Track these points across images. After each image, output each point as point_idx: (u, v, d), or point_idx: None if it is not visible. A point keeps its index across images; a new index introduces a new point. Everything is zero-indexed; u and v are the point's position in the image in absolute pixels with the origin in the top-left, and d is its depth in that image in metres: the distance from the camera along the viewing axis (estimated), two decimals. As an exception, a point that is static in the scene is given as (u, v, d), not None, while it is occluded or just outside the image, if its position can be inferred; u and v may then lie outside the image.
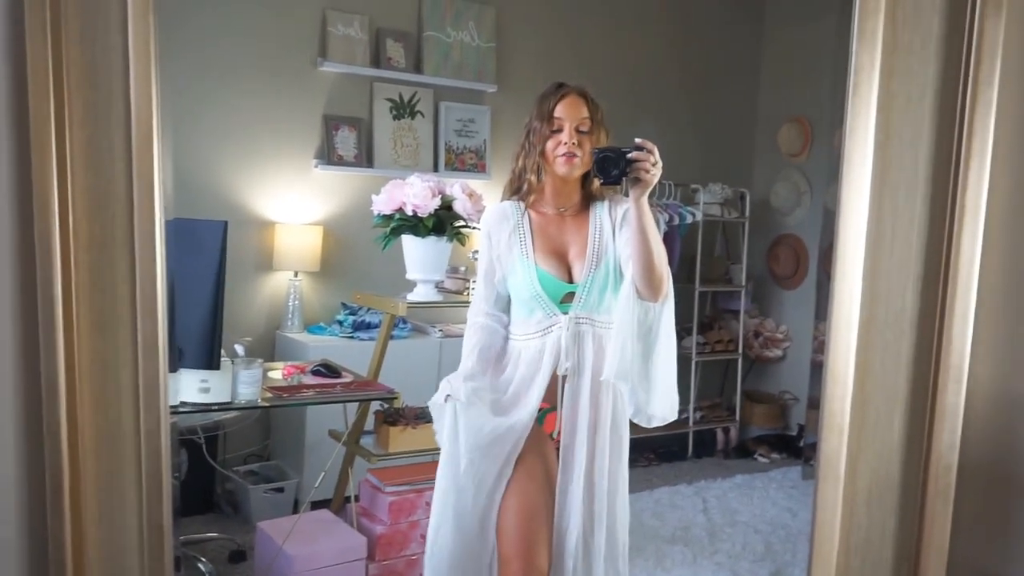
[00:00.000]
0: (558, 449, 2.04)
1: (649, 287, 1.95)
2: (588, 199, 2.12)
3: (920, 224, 0.85)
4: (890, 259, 0.85)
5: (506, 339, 2.13)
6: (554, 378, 2.02)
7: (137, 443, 0.97)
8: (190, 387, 2.34)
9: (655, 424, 2.04)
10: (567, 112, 2.00)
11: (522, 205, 2.11)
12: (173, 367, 2.17)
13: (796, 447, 4.99)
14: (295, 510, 3.64)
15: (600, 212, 2.09)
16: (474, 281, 3.31)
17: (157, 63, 0.91)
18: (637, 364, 1.98)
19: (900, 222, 0.85)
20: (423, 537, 2.95)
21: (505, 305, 2.14)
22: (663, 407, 2.04)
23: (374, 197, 2.79)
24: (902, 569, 0.90)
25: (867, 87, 0.87)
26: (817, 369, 4.97)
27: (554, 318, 2.03)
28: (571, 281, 2.05)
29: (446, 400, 2.02)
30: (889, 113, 0.86)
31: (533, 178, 2.05)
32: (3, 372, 0.98)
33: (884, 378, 0.87)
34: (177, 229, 2.28)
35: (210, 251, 2.23)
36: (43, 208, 0.89)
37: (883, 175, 0.83)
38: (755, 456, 4.97)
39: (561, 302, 2.03)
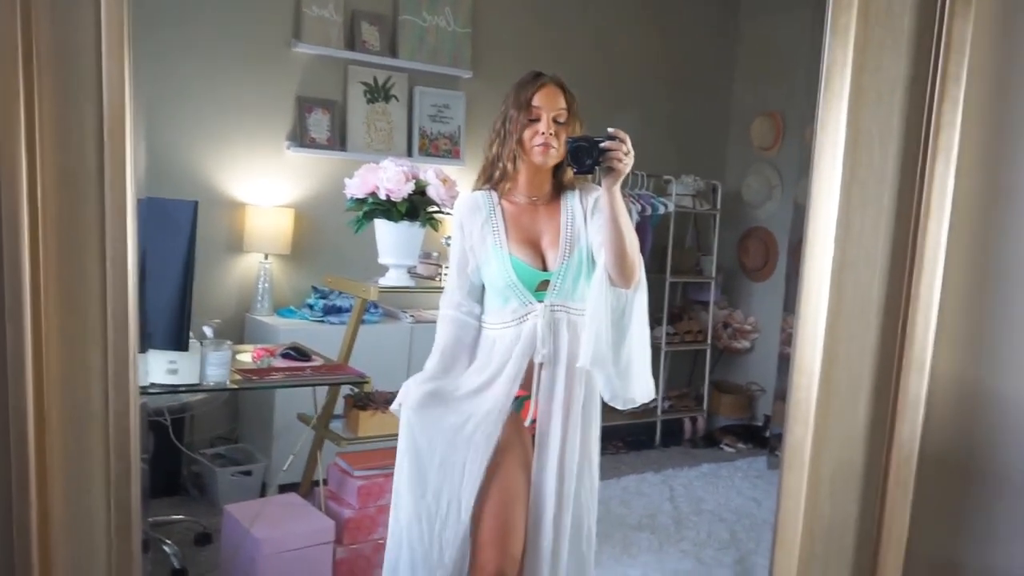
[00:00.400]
0: (533, 436, 2.07)
1: (621, 274, 1.97)
2: (559, 188, 2.14)
3: (888, 217, 0.87)
4: (858, 251, 0.87)
5: (478, 330, 2.14)
6: (530, 366, 2.04)
7: (106, 423, 0.96)
8: (158, 368, 2.32)
9: (632, 406, 2.09)
10: (545, 102, 2.01)
11: (494, 195, 2.11)
12: (143, 347, 2.15)
13: (762, 437, 5.06)
14: (263, 493, 3.63)
15: (571, 201, 2.11)
16: (446, 267, 3.32)
17: (130, 39, 0.90)
18: (611, 350, 2.01)
19: (868, 215, 0.86)
20: (391, 522, 2.96)
21: (479, 295, 2.15)
22: (640, 390, 2.08)
23: (347, 180, 2.78)
24: (863, 556, 0.92)
25: (839, 82, 0.88)
26: (785, 361, 5.04)
27: (529, 306, 2.04)
28: (545, 269, 2.07)
29: (400, 407, 2.06)
30: (860, 108, 0.87)
31: (509, 166, 2.05)
32: (-32, 349, 0.97)
33: (850, 368, 0.88)
34: (147, 209, 2.26)
35: (180, 231, 2.21)
36: (10, 184, 0.88)
37: (852, 169, 0.85)
38: (721, 446, 5.03)
39: (536, 290, 2.05)
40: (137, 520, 1.01)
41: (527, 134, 2.02)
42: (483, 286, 2.14)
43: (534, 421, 2.07)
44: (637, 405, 2.12)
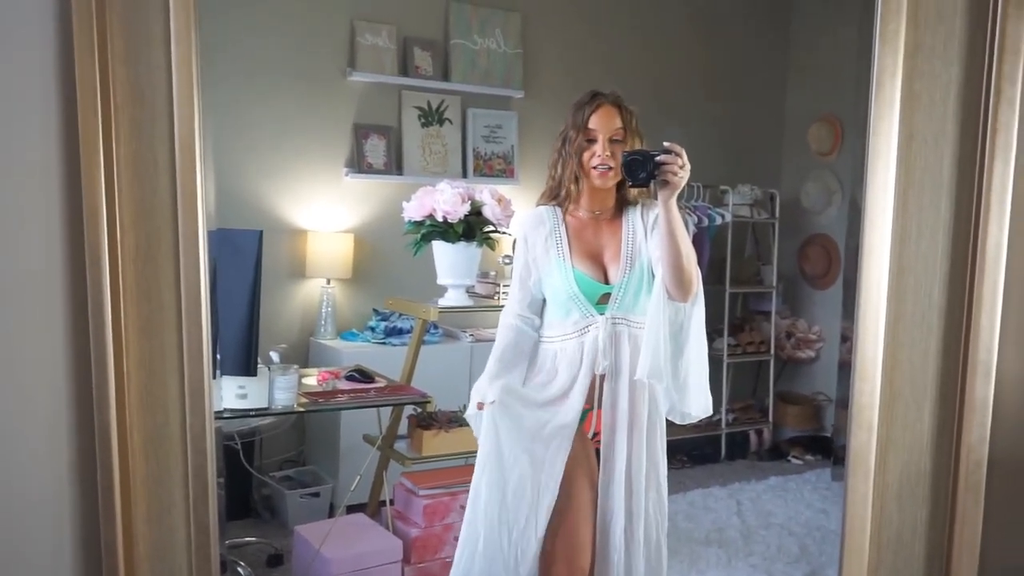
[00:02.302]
0: (597, 449, 2.09)
1: (679, 288, 1.99)
2: (622, 203, 2.17)
3: (945, 221, 0.86)
4: (916, 256, 0.86)
5: (537, 342, 2.16)
6: (592, 378, 2.06)
7: (184, 445, 1.00)
8: (228, 393, 2.39)
9: (689, 421, 2.10)
10: (601, 124, 2.05)
11: (558, 209, 2.15)
12: (214, 374, 2.22)
13: (830, 448, 4.95)
14: (331, 514, 3.69)
15: (633, 216, 2.14)
16: (504, 285, 3.34)
17: (199, 79, 0.95)
18: (669, 363, 2.02)
19: (925, 220, 0.86)
20: (456, 539, 2.98)
21: (538, 308, 2.17)
22: (697, 404, 2.09)
23: (404, 204, 2.83)
24: (934, 564, 0.90)
25: (890, 88, 0.88)
26: (845, 369, 4.94)
27: (591, 319, 2.07)
28: (607, 283, 2.09)
29: (479, 408, 2.06)
30: (912, 114, 0.87)
31: (573, 187, 2.09)
32: (56, 377, 1.02)
33: (912, 373, 0.87)
34: (215, 239, 2.33)
35: (246, 260, 2.29)
36: (92, 218, 0.93)
37: (907, 175, 0.84)
38: (788, 458, 4.94)
39: (597, 303, 2.07)
40: (215, 540, 1.04)
41: (586, 156, 2.06)
42: (543, 301, 2.16)
43: (597, 434, 2.08)
44: (695, 420, 2.13)
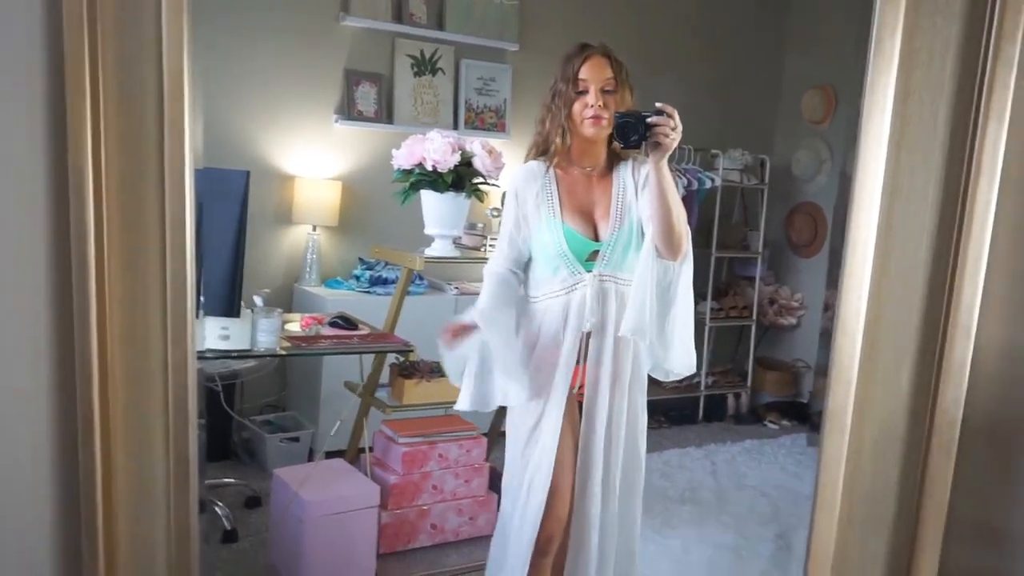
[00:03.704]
0: (580, 403, 2.12)
1: (668, 247, 2.00)
2: (613, 159, 2.15)
3: (936, 181, 0.86)
4: (905, 214, 0.86)
5: (523, 297, 2.17)
6: (579, 335, 2.08)
7: (165, 377, 1.00)
8: (211, 334, 2.38)
9: (673, 378, 2.15)
10: (592, 74, 2.03)
11: (548, 165, 2.13)
12: (197, 313, 2.21)
13: (807, 415, 5.01)
14: (310, 460, 3.72)
15: (624, 172, 2.13)
16: (491, 239, 3.33)
17: (189, 10, 0.92)
18: (655, 321, 2.04)
19: (916, 178, 0.86)
20: (435, 488, 3.01)
21: (523, 265, 2.18)
22: (681, 362, 2.12)
23: (394, 151, 2.80)
24: (903, 521, 0.92)
25: (889, 45, 0.87)
26: (827, 337, 4.99)
27: (578, 276, 2.07)
28: (596, 239, 2.09)
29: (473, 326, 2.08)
30: (910, 70, 0.86)
31: (559, 140, 2.07)
32: (37, 307, 1.01)
33: (894, 332, 0.88)
34: (202, 178, 2.31)
35: (233, 200, 2.27)
36: (77, 146, 0.91)
37: (901, 132, 0.84)
38: (765, 423, 5.01)
39: (586, 260, 2.08)
40: (195, 473, 1.05)
41: (576, 107, 2.04)
42: (529, 259, 2.16)
43: (581, 388, 2.11)
44: (678, 378, 2.16)
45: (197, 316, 2.34)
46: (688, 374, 2.15)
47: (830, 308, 4.76)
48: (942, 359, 0.88)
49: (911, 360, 0.89)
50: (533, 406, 2.10)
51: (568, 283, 2.08)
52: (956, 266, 0.86)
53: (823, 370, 5.03)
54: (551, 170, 2.12)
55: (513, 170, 2.25)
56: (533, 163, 2.15)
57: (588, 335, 2.08)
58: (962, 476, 0.90)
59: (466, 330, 2.07)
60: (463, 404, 2.14)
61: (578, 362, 2.09)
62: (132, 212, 0.97)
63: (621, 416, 2.11)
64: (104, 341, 0.98)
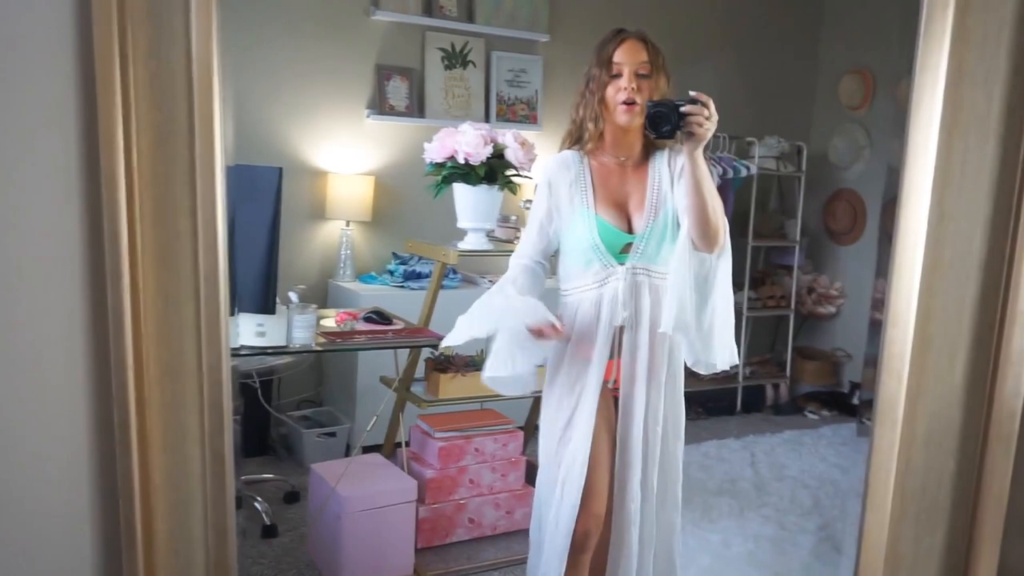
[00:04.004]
0: (616, 398, 2.08)
1: (704, 239, 1.95)
2: (649, 148, 2.10)
3: (991, 165, 0.82)
4: (958, 201, 0.82)
5: (543, 287, 2.12)
6: (612, 330, 2.04)
7: (199, 375, 0.99)
8: (247, 331, 2.39)
9: (714, 372, 2.10)
10: (626, 56, 1.97)
11: (583, 155, 2.08)
12: (232, 310, 2.22)
13: (847, 405, 4.94)
14: (346, 455, 3.73)
15: (659, 162, 2.07)
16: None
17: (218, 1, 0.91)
18: (694, 315, 2.00)
19: (970, 163, 0.82)
20: (471, 482, 3.01)
21: (549, 257, 2.14)
22: (722, 355, 2.07)
23: (426, 145, 2.79)
24: (959, 516, 0.88)
25: (941, 22, 0.83)
26: (876, 327, 4.91)
27: (611, 269, 2.03)
28: (630, 232, 2.04)
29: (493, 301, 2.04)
30: (963, 50, 0.82)
31: (592, 127, 2.02)
32: (72, 305, 1.01)
33: (947, 322, 0.85)
34: (234, 175, 2.32)
35: (266, 196, 2.26)
36: (108, 142, 0.91)
37: (954, 114, 0.80)
38: (805, 413, 4.93)
39: (619, 253, 2.03)
40: (231, 470, 1.04)
41: (610, 91, 1.98)
42: (557, 251, 2.13)
43: (616, 384, 2.08)
44: (719, 371, 2.11)
45: (232, 313, 2.36)
46: (729, 367, 2.10)
47: (879, 297, 4.67)
48: (999, 349, 0.84)
49: (965, 350, 0.85)
50: (566, 402, 2.07)
51: (600, 276, 2.03)
52: (1012, 254, 0.82)
53: (872, 360, 4.92)
54: (585, 159, 2.08)
55: (545, 158, 2.20)
56: (567, 152, 2.10)
57: (621, 329, 2.04)
58: (1021, 469, 0.86)
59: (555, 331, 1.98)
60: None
61: (611, 357, 2.06)
62: (164, 209, 0.96)
63: (658, 411, 2.07)
64: (139, 339, 0.98)
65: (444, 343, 2.13)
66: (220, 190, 0.96)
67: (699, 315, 2.02)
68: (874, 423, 0.88)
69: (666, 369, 2.08)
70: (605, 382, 2.07)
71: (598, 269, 2.03)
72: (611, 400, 2.10)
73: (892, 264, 0.85)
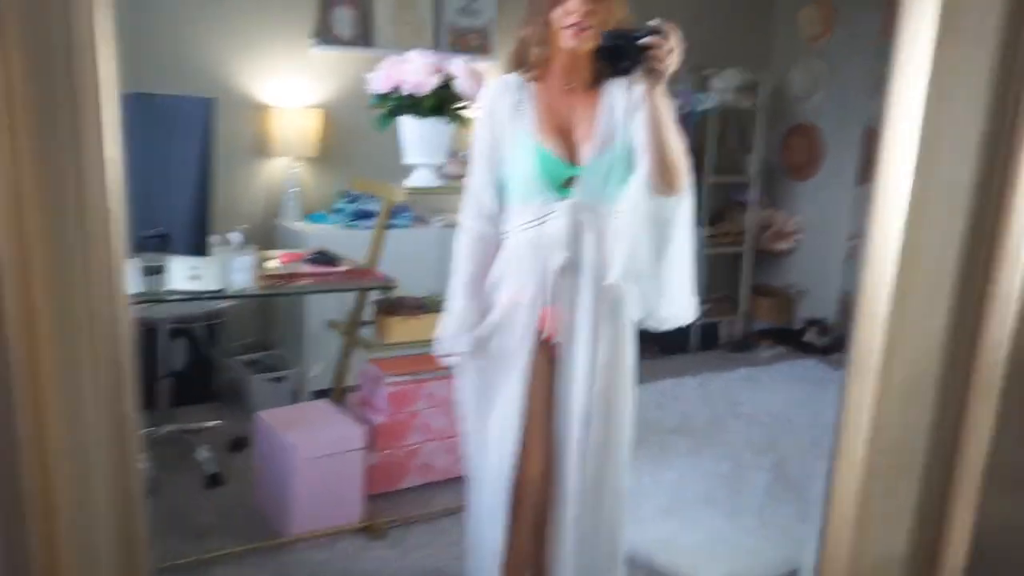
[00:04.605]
0: (550, 347, 1.90)
1: (663, 180, 1.78)
2: (601, 74, 1.86)
3: (985, 85, 0.73)
4: (948, 122, 0.73)
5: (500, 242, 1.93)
6: (546, 274, 1.86)
7: (91, 328, 0.88)
8: (180, 275, 2.25)
9: (667, 327, 1.92)
10: None
11: (526, 78, 1.89)
12: (137, 252, 2.07)
13: (800, 341, 4.95)
14: (296, 400, 3.63)
15: (614, 89, 1.85)
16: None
17: None
18: (646, 264, 1.84)
19: (960, 83, 0.72)
20: (424, 427, 2.93)
21: (502, 196, 1.92)
22: (679, 309, 1.91)
23: (369, 76, 2.63)
24: (934, 472, 0.82)
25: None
26: (851, 264, 4.91)
27: (552, 205, 1.83)
28: (574, 163, 1.84)
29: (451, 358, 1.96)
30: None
31: (538, 50, 1.82)
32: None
33: (931, 260, 0.76)
34: (159, 108, 2.15)
35: (195, 130, 2.09)
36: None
37: (946, 21, 0.70)
38: (759, 349, 4.94)
39: (562, 187, 1.83)
40: (135, 432, 0.93)
41: (556, 13, 1.75)
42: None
43: (550, 335, 1.89)
44: (675, 326, 1.93)
45: (158, 254, 2.21)
46: (686, 321, 1.92)
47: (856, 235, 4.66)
48: (985, 291, 0.76)
49: (950, 293, 0.77)
50: (497, 355, 1.90)
51: (540, 213, 1.83)
52: (1005, 186, 0.73)
53: (848, 299, 4.94)
54: (528, 83, 1.87)
55: (487, 85, 2.00)
56: (508, 76, 1.90)
57: (558, 274, 1.84)
58: (1005, 423, 0.79)
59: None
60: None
61: (546, 304, 1.86)
62: (47, 144, 0.83)
63: (604, 367, 1.88)
64: (26, 290, 0.86)
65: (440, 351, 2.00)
66: (109, 118, 0.83)
67: (655, 263, 1.86)
68: (848, 374, 0.80)
69: (613, 321, 1.88)
70: (538, 332, 1.88)
71: (538, 205, 1.83)
72: (546, 353, 1.90)
73: (872, 198, 0.76)
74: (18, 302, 0.87)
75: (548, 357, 1.90)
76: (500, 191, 1.91)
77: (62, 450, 0.92)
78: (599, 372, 1.88)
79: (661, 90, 1.70)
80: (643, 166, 1.80)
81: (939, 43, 0.70)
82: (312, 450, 2.60)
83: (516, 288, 1.87)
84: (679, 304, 1.91)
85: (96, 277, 0.83)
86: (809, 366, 4.63)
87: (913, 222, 0.74)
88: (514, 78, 1.89)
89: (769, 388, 4.25)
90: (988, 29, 0.71)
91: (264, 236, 3.91)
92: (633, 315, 1.91)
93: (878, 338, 0.78)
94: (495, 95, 1.89)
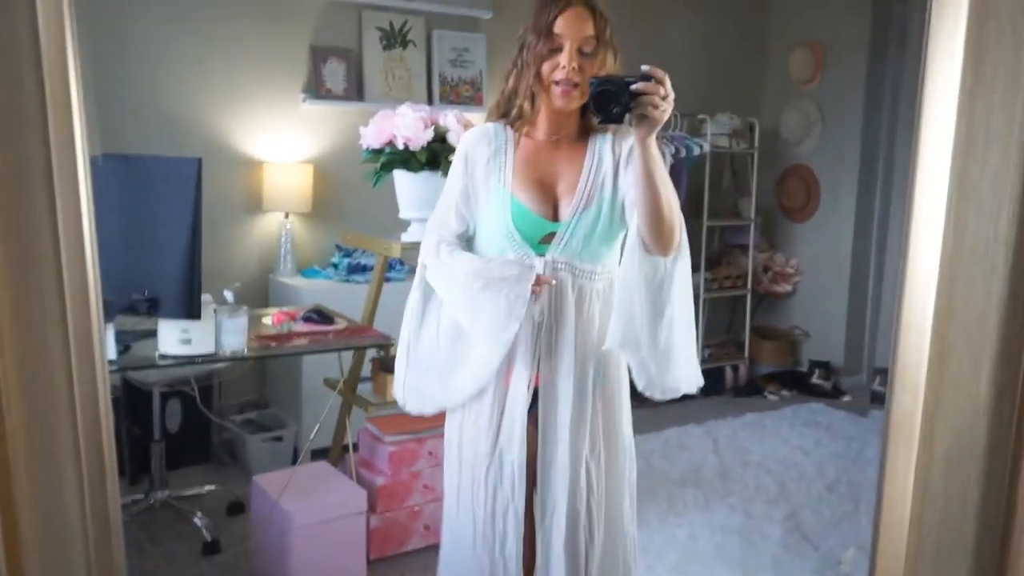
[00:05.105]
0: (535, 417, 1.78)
1: (658, 240, 1.65)
2: (589, 128, 1.79)
3: (1020, 131, 0.68)
4: (981, 176, 0.68)
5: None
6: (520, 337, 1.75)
7: (73, 416, 0.81)
8: (170, 338, 2.19)
9: (670, 397, 1.77)
10: (569, 29, 1.66)
11: (509, 129, 1.80)
12: (110, 316, 2.01)
13: (807, 384, 4.87)
14: (295, 458, 3.54)
15: (601, 144, 1.77)
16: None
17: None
18: (646, 330, 1.70)
19: (995, 129, 0.68)
20: (425, 487, 2.85)
21: (468, 246, 1.83)
22: (684, 377, 1.77)
23: (362, 130, 2.61)
24: (985, 550, 0.75)
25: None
26: (857, 291, 4.89)
27: (528, 262, 1.72)
28: (555, 219, 1.74)
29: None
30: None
31: (526, 105, 1.73)
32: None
33: (970, 324, 0.71)
34: (146, 169, 2.11)
35: (183, 191, 2.04)
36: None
37: (976, 70, 0.66)
38: (765, 394, 4.86)
39: (539, 242, 1.73)
40: (118, 531, 0.87)
41: (546, 68, 1.68)
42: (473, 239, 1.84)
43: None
44: (679, 395, 1.78)
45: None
46: (691, 390, 1.79)
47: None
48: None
49: (991, 358, 0.71)
50: (491, 420, 1.77)
51: None
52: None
53: (855, 337, 4.86)
54: (509, 132, 1.79)
55: (465, 132, 1.93)
56: (490, 124, 1.81)
57: (537, 336, 1.74)
58: (1060, 496, 0.73)
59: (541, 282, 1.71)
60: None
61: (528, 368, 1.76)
62: (17, 212, 0.78)
63: (587, 435, 1.77)
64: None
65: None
66: (84, 185, 0.78)
67: (653, 330, 1.71)
68: (885, 445, 0.74)
69: (601, 384, 1.77)
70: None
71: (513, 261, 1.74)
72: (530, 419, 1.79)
73: (903, 255, 0.71)
74: (-12, 389, 0.81)
75: (530, 422, 1.78)
76: (464, 240, 1.83)
77: (35, 542, 0.85)
78: (584, 442, 1.76)
79: (653, 140, 1.60)
80: (635, 223, 1.69)
81: (967, 95, 0.66)
82: (310, 516, 2.51)
83: (490, 348, 1.74)
84: (682, 372, 1.77)
85: (76, 352, 0.78)
86: (817, 409, 4.55)
87: (947, 282, 0.68)
88: (495, 126, 1.82)
89: (777, 434, 4.16)
90: (1018, 79, 0.66)
91: (258, 291, 3.86)
92: (637, 382, 1.77)
93: (917, 407, 0.72)
94: (473, 143, 1.81)
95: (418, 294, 1.85)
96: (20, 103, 0.75)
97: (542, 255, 1.73)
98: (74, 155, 0.76)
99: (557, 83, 1.68)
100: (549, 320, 1.74)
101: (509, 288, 1.68)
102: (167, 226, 2.04)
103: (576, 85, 1.67)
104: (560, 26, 1.67)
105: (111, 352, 2.09)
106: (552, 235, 1.73)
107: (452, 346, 1.79)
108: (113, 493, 0.83)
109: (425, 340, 1.83)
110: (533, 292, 1.69)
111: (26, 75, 0.74)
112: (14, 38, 0.72)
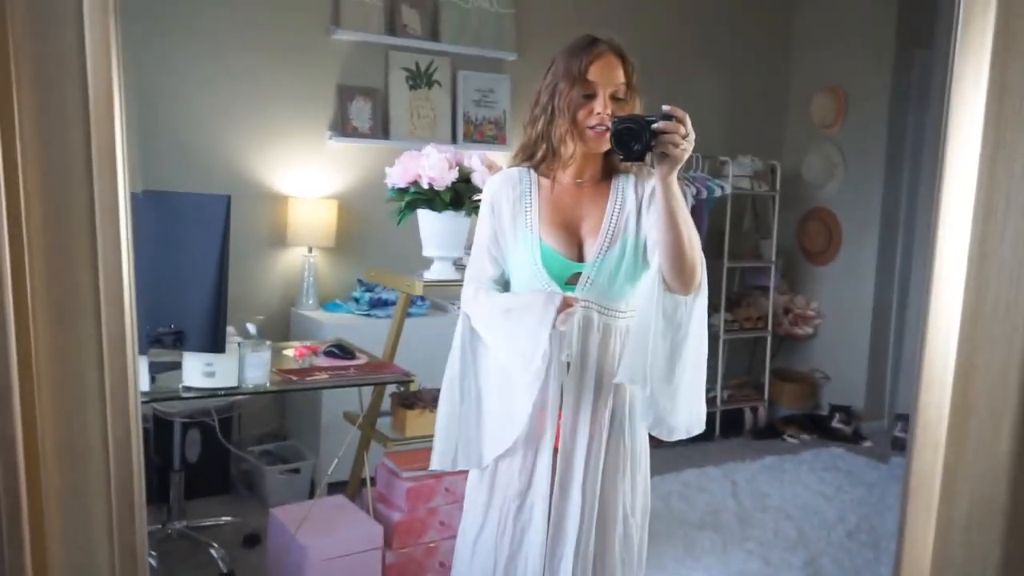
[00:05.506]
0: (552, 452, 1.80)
1: (679, 278, 1.67)
2: (611, 170, 1.82)
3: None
4: (1002, 239, 0.69)
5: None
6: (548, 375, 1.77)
7: (105, 454, 0.83)
8: (195, 371, 2.22)
9: (677, 437, 1.78)
10: (602, 76, 1.71)
11: (533, 172, 1.84)
12: (143, 349, 2.03)
13: (827, 428, 4.83)
14: (312, 491, 3.55)
15: (624, 185, 1.80)
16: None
17: (116, 10, 0.76)
18: (660, 367, 1.71)
19: (1015, 193, 0.69)
20: (442, 524, 2.84)
21: (505, 290, 1.87)
22: (688, 418, 1.78)
23: (388, 169, 2.65)
24: (1007, 610, 0.75)
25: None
26: (879, 338, 4.87)
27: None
28: (580, 260, 1.78)
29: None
30: (1008, 16, 0.67)
31: (562, 148, 1.76)
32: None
33: (991, 382, 0.71)
34: (176, 205, 2.15)
35: (213, 227, 2.08)
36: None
37: (996, 138, 0.67)
38: (784, 437, 4.82)
39: (566, 283, 1.76)
40: (144, 561, 0.88)
41: (581, 114, 1.72)
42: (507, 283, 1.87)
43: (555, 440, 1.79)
44: (683, 437, 1.79)
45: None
46: (695, 432, 1.80)
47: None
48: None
49: (1013, 417, 0.72)
50: (526, 461, 1.79)
51: None
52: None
53: (875, 384, 4.83)
54: (534, 176, 1.83)
55: (491, 177, 1.95)
56: (514, 169, 1.85)
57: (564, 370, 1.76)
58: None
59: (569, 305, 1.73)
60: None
61: (543, 407, 1.78)
62: (60, 257, 0.80)
63: (602, 471, 1.78)
64: (31, 414, 0.82)
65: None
66: (125, 230, 0.81)
67: (668, 367, 1.72)
68: (905, 503, 0.74)
69: (611, 425, 1.78)
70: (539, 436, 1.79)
71: None
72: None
73: (925, 310, 0.72)
74: (24, 422, 0.83)
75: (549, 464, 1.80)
76: (501, 283, 1.87)
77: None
78: (596, 480, 1.78)
79: (675, 178, 1.62)
80: (656, 262, 1.71)
81: (988, 161, 0.67)
82: (326, 551, 2.52)
83: (518, 387, 1.77)
84: (689, 413, 1.78)
85: (112, 393, 0.80)
86: (837, 454, 4.50)
87: (969, 341, 0.69)
88: (520, 171, 1.85)
89: (796, 478, 4.12)
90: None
91: (280, 324, 3.89)
92: (644, 419, 1.79)
93: (937, 465, 0.72)
94: (498, 188, 1.85)
95: (458, 352, 1.90)
96: (69, 148, 0.78)
97: (569, 295, 1.75)
98: (116, 198, 0.79)
99: (591, 127, 1.72)
100: (575, 361, 1.76)
101: (535, 313, 1.71)
102: (195, 261, 2.08)
103: (608, 129, 1.69)
104: (594, 73, 1.71)
105: (144, 384, 2.12)
106: (578, 275, 1.77)
107: (498, 395, 1.82)
108: (141, 530, 0.85)
109: (470, 395, 1.87)
110: (561, 314, 1.69)
111: (74, 131, 0.77)
112: (64, 99, 0.75)
